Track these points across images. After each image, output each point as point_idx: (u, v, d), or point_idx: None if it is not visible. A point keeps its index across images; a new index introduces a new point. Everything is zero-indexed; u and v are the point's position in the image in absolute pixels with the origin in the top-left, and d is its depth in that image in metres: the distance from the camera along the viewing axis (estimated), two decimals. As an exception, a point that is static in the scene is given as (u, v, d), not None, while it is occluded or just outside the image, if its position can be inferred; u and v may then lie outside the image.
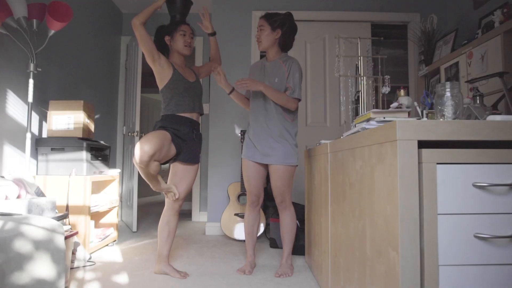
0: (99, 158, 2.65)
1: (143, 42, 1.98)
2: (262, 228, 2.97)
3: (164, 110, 2.12)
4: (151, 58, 2.02)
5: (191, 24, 2.24)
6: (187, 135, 2.11)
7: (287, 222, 2.18)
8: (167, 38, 2.15)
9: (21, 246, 1.49)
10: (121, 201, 3.86)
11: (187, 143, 2.11)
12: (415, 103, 1.41)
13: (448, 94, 1.15)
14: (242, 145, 3.07)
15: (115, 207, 2.82)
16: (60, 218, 1.87)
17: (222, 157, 3.31)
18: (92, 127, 2.64)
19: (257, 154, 2.10)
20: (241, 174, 3.02)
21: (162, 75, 2.08)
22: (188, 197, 4.90)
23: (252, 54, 3.36)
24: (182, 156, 2.10)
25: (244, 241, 2.97)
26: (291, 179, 2.11)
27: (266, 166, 2.16)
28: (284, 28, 2.09)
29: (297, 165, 2.11)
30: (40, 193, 2.06)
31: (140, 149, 1.80)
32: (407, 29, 3.44)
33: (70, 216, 2.30)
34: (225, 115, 3.33)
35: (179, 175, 2.14)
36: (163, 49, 2.18)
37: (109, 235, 2.71)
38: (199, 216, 4.01)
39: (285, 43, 2.14)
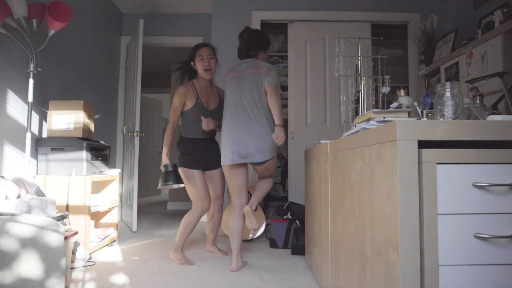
0: (99, 158, 2.65)
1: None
2: (262, 228, 2.96)
3: (182, 132, 2.38)
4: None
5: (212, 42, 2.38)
6: (202, 151, 2.33)
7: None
8: (192, 64, 2.25)
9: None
10: (121, 201, 3.86)
11: (203, 155, 2.34)
12: (415, 103, 1.41)
13: (448, 94, 1.15)
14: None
15: (115, 207, 2.82)
16: (60, 218, 1.87)
17: (222, 157, 3.30)
18: (92, 127, 2.64)
19: None
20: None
21: (185, 106, 2.29)
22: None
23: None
24: (206, 166, 2.37)
25: (244, 241, 2.97)
26: None
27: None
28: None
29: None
30: (40, 193, 2.06)
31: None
32: (407, 29, 3.44)
33: (70, 216, 2.30)
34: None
35: (211, 180, 2.42)
36: (193, 72, 2.33)
37: (109, 235, 2.71)
38: (199, 216, 4.00)
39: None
